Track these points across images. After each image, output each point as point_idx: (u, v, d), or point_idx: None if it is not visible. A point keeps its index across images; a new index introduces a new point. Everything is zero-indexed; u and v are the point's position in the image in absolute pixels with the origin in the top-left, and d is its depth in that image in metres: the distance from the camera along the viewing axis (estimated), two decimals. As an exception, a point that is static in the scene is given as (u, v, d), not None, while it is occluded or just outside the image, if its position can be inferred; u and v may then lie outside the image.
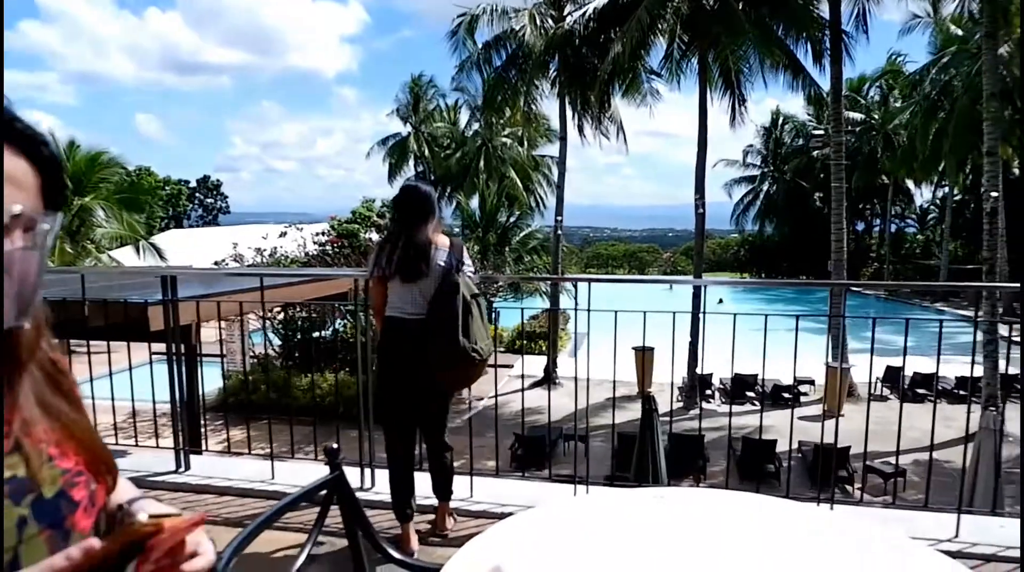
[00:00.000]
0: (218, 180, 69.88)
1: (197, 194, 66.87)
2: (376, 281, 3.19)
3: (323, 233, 17.39)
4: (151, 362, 4.21)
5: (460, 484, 3.68)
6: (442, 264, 3.14)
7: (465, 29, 18.44)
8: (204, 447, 5.89)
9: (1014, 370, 14.68)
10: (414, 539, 3.23)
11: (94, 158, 22.44)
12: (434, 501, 3.43)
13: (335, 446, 2.05)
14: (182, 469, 4.11)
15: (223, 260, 17.44)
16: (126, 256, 23.32)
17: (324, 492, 2.02)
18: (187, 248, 25.14)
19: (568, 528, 1.61)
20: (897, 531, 1.60)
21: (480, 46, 18.43)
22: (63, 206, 0.78)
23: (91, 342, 4.79)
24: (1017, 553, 2.92)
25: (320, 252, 16.17)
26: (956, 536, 3.07)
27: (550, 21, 17.65)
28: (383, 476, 3.74)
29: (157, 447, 4.49)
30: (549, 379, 10.93)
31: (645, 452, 8.04)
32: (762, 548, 1.48)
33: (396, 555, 1.98)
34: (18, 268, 0.70)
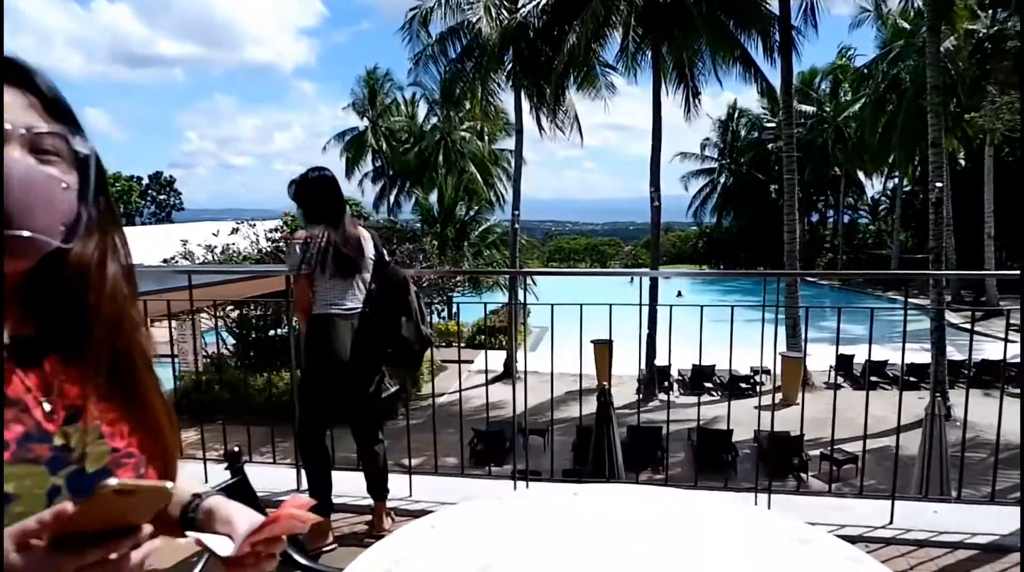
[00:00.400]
0: (171, 176, 68.19)
1: (150, 191, 65.21)
2: (303, 278, 3.06)
3: (276, 229, 17.05)
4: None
5: (399, 483, 3.63)
6: (372, 257, 3.08)
7: (419, 22, 18.21)
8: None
9: (960, 356, 15.19)
10: (328, 535, 3.17)
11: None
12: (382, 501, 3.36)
13: (236, 449, 1.96)
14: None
15: (173, 258, 16.98)
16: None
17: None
18: (136, 246, 24.34)
19: (475, 528, 1.59)
20: (802, 519, 1.59)
21: (435, 38, 18.21)
22: (78, 133, 0.79)
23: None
24: (949, 538, 2.96)
25: (274, 249, 15.84)
26: (891, 523, 3.09)
27: (505, 12, 17.52)
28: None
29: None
30: (511, 374, 10.85)
31: (601, 445, 8.08)
32: (659, 543, 1.49)
33: (299, 558, 1.89)
34: (37, 184, 0.72)
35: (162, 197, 66.84)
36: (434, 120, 30.48)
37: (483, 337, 19.16)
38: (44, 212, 0.73)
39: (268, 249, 16.49)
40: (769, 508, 3.24)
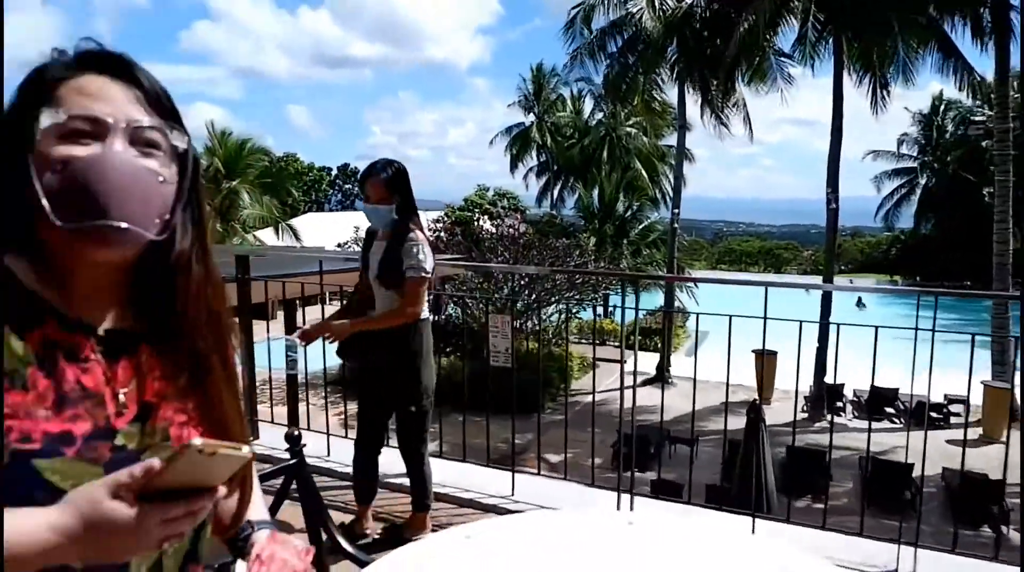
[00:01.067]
0: (356, 168, 73.49)
1: (337, 181, 70.55)
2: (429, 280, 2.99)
3: (438, 220, 17.61)
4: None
5: (501, 480, 3.56)
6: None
7: (582, 19, 17.84)
8: (307, 425, 5.91)
9: None
10: (368, 522, 3.15)
11: (242, 145, 24.00)
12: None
13: (296, 433, 2.05)
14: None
15: (346, 242, 18.18)
16: (267, 236, 24.85)
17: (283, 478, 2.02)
18: (321, 230, 26.41)
19: (510, 545, 1.54)
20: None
21: (595, 34, 17.76)
22: (178, 127, 0.80)
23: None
24: None
25: (434, 237, 16.36)
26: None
27: (669, 2, 16.69)
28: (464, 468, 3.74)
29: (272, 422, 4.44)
30: (662, 377, 10.38)
31: (749, 463, 7.39)
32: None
33: (346, 546, 1.99)
34: (135, 176, 0.75)
35: (348, 186, 72.16)
36: (599, 115, 30.05)
37: (637, 338, 18.55)
38: (141, 204, 0.75)
39: (430, 238, 17.09)
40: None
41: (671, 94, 18.53)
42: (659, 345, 18.47)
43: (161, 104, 0.80)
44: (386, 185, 2.85)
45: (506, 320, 3.69)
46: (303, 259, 7.79)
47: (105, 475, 0.73)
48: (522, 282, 10.65)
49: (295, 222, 27.41)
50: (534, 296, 12.65)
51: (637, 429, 4.11)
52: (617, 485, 3.46)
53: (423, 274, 2.82)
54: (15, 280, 0.75)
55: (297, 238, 24.99)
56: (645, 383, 14.87)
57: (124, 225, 0.73)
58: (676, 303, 17.73)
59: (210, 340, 0.85)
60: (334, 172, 70.50)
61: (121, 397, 0.79)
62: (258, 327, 4.34)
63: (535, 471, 3.76)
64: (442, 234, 16.51)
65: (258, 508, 1.04)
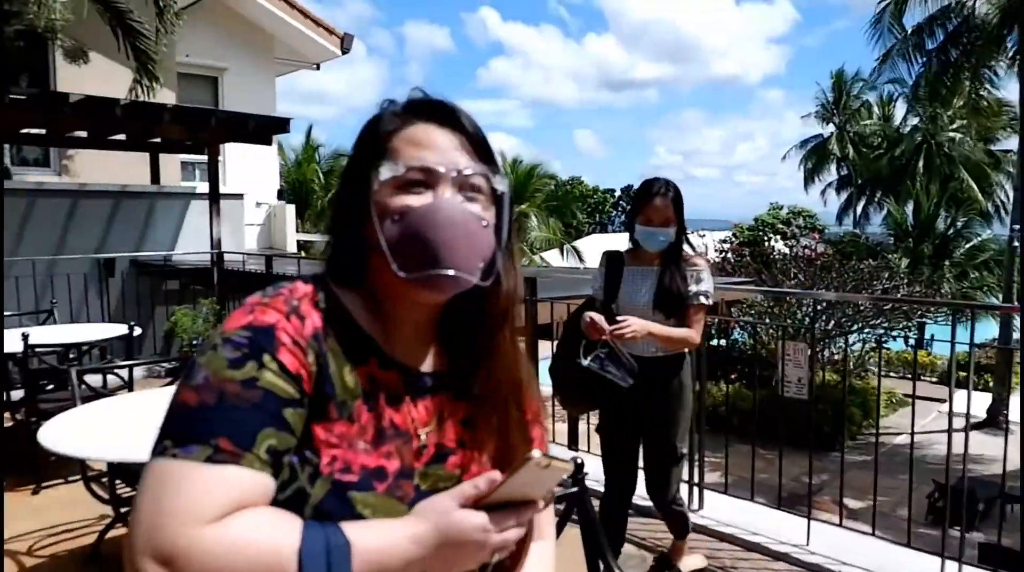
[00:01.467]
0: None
1: (620, 202, 71.94)
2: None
3: (725, 240, 16.99)
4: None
5: (794, 526, 3.25)
6: None
7: (891, 15, 15.91)
8: (587, 446, 6.11)
9: None
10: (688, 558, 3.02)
11: (530, 171, 25.75)
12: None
13: (580, 460, 2.01)
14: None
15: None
16: (553, 257, 26.23)
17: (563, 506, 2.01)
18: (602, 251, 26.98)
19: None
20: None
21: (910, 30, 15.69)
22: (497, 171, 0.84)
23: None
24: None
25: (720, 259, 15.81)
26: None
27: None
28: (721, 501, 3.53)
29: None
30: (997, 422, 8.84)
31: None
32: None
33: None
34: (465, 224, 0.79)
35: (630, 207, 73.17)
36: (914, 121, 26.51)
37: (971, 375, 15.88)
38: (468, 251, 0.78)
39: (716, 260, 16.58)
40: None
41: (1008, 90, 15.72)
42: (990, 383, 15.65)
43: (482, 148, 0.84)
44: (673, 206, 2.61)
45: (801, 348, 3.44)
46: (585, 281, 8.04)
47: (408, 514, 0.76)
48: (820, 307, 9.79)
49: (579, 243, 28.52)
50: (832, 322, 11.55)
51: (962, 481, 3.54)
52: (941, 549, 2.95)
53: (710, 301, 2.65)
54: (350, 318, 0.81)
55: (580, 259, 25.95)
56: (974, 427, 12.68)
57: (453, 273, 0.77)
58: (1015, 335, 14.88)
59: (510, 386, 0.86)
60: (617, 193, 72.02)
61: (423, 437, 0.81)
62: (542, 347, 4.55)
63: (834, 519, 3.40)
64: (728, 255, 15.90)
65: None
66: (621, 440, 2.77)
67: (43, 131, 7.34)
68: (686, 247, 2.67)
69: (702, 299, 2.61)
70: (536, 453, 0.68)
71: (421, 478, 0.80)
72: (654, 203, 2.58)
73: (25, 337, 4.07)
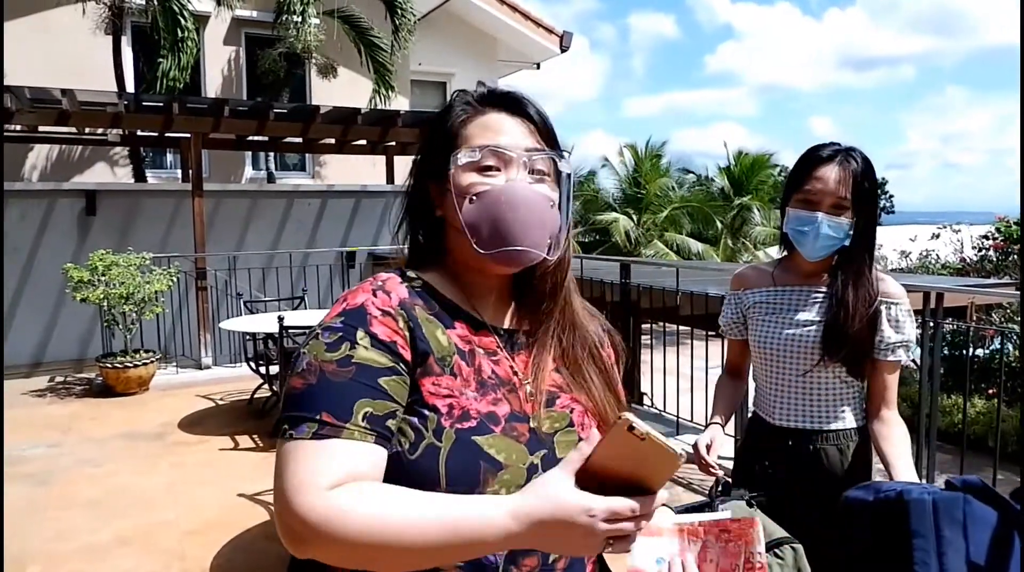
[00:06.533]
0: (884, 179, 66.81)
1: (859, 194, 65.52)
2: None
3: (986, 236, 14.70)
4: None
5: None
6: None
7: None
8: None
9: None
10: None
11: (754, 163, 24.36)
12: None
13: (728, 480, 1.69)
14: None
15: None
16: (777, 253, 24.58)
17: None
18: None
19: None
20: None
21: None
22: (562, 155, 0.92)
23: (680, 328, 5.21)
24: None
25: (979, 258, 13.72)
26: None
27: None
28: None
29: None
30: None
31: None
32: None
33: None
34: (535, 204, 0.87)
35: (871, 200, 66.22)
36: None
37: None
38: (538, 229, 0.87)
39: (973, 258, 14.42)
40: None
41: None
42: None
43: (549, 134, 0.92)
44: (855, 186, 1.57)
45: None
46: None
47: (528, 453, 0.84)
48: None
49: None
50: None
51: None
52: None
53: (911, 355, 1.80)
54: (433, 289, 0.90)
55: (810, 254, 24.07)
56: None
57: (525, 248, 0.86)
58: None
59: (578, 336, 0.95)
60: (856, 184, 65.62)
61: (529, 388, 0.89)
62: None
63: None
64: (991, 253, 13.75)
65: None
66: None
67: (300, 139, 8.37)
68: (878, 271, 1.66)
69: (901, 354, 1.63)
70: (626, 414, 0.65)
71: (537, 421, 0.87)
72: (820, 174, 1.58)
73: (281, 319, 4.70)
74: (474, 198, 0.87)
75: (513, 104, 0.92)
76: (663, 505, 1.00)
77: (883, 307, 1.62)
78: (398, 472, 0.78)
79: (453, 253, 0.92)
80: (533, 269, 0.92)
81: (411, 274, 0.91)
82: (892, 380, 1.65)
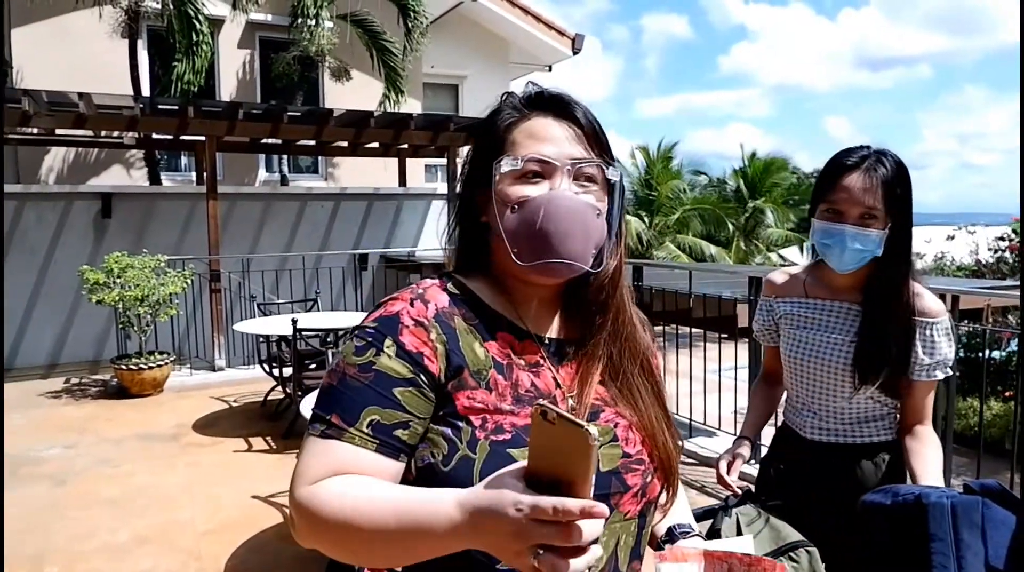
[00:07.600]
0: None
1: (873, 196, 65.09)
2: None
3: (1002, 237, 14.56)
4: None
5: None
6: None
7: None
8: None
9: None
10: None
11: (767, 165, 24.23)
12: None
13: (751, 489, 1.64)
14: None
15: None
16: (792, 254, 24.42)
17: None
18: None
19: None
20: None
21: None
22: (611, 161, 0.89)
23: (692, 331, 5.19)
24: None
25: (995, 259, 13.60)
26: None
27: None
28: None
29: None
30: None
31: None
32: None
33: None
34: (580, 215, 0.84)
35: (885, 202, 65.77)
36: None
37: None
38: (582, 241, 0.84)
39: (989, 260, 14.29)
40: None
41: None
42: None
43: (598, 139, 0.88)
44: (886, 193, 1.49)
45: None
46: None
47: None
48: None
49: (822, 240, 26.21)
50: None
51: None
52: None
53: (949, 372, 1.63)
54: (476, 298, 0.89)
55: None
56: None
57: (566, 261, 0.83)
58: None
59: (625, 349, 0.91)
60: (869, 186, 65.18)
61: (571, 401, 0.86)
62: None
63: None
64: (1006, 254, 13.62)
65: (684, 512, 1.06)
66: None
67: (313, 142, 8.42)
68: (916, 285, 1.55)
69: (938, 374, 1.56)
70: (540, 402, 0.59)
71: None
72: (846, 184, 1.49)
73: (294, 322, 4.72)
74: (515, 207, 0.84)
75: (561, 107, 0.88)
76: (695, 535, 1.01)
77: (919, 327, 1.53)
78: (432, 483, 0.78)
79: (498, 261, 0.90)
80: (584, 279, 0.88)
81: (458, 278, 0.91)
82: (928, 398, 1.59)
